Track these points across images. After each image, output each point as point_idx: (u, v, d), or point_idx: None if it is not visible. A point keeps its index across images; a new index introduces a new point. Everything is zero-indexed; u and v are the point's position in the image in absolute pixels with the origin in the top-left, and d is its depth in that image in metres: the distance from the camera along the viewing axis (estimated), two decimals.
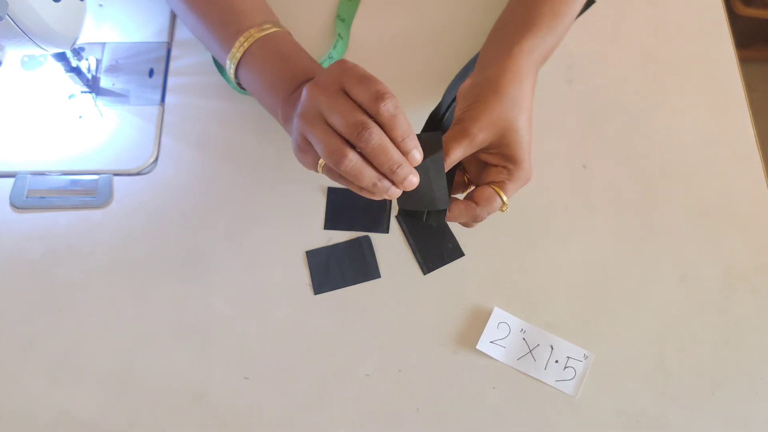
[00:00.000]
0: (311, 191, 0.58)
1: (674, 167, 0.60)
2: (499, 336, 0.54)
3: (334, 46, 0.63)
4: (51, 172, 0.59)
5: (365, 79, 0.40)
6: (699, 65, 0.64)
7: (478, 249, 0.57)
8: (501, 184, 0.48)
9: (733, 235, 0.57)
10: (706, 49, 0.64)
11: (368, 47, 0.64)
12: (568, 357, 0.53)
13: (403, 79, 0.63)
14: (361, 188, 0.43)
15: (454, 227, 0.57)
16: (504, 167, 0.48)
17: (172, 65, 0.63)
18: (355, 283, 0.55)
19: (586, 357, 0.53)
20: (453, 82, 0.61)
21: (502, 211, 0.48)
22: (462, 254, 0.57)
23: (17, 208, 0.58)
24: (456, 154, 0.46)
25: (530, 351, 0.54)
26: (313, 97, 0.41)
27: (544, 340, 0.54)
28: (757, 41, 1.42)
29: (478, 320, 0.54)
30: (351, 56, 0.63)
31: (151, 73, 0.63)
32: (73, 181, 0.58)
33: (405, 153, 0.41)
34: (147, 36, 0.64)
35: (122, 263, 0.56)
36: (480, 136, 0.46)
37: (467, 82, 0.50)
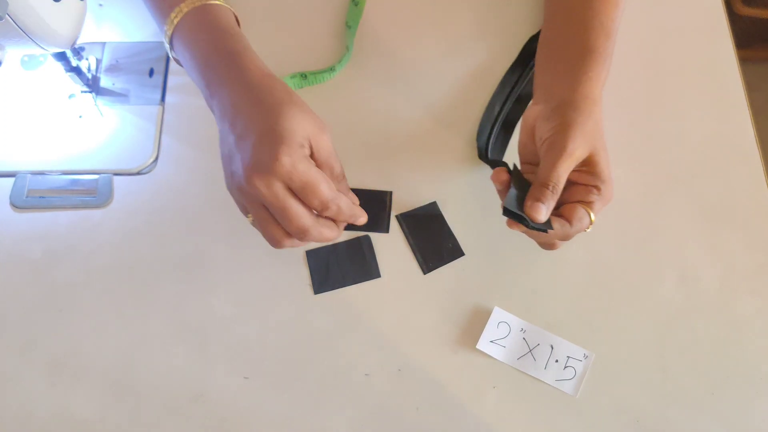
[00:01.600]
0: None
1: (674, 167, 0.60)
2: (499, 335, 0.54)
3: (340, 61, 0.62)
4: (51, 171, 0.59)
5: (309, 186, 0.44)
6: (699, 65, 0.64)
7: (478, 249, 0.57)
8: (591, 204, 0.49)
9: (733, 235, 0.57)
10: (706, 49, 0.64)
11: (371, 53, 0.64)
12: (568, 356, 0.53)
13: (406, 81, 0.63)
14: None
15: (454, 227, 0.57)
16: (594, 186, 0.49)
17: (173, 65, 0.63)
18: (355, 282, 0.55)
19: (586, 357, 0.53)
20: (487, 111, 0.62)
21: (586, 231, 0.49)
22: (462, 254, 0.57)
23: (17, 207, 0.58)
24: (562, 171, 0.47)
25: (530, 350, 0.54)
26: (252, 186, 0.43)
27: (544, 340, 0.54)
28: (757, 41, 1.42)
29: (478, 320, 0.54)
30: (353, 64, 0.63)
31: (151, 72, 0.63)
32: (73, 181, 0.58)
33: (354, 222, 0.49)
34: (147, 36, 0.64)
35: (122, 263, 0.56)
36: (578, 152, 0.47)
37: (536, 108, 0.51)
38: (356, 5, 0.63)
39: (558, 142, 0.47)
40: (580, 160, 0.48)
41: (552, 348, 0.54)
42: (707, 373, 0.53)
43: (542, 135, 0.49)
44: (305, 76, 0.61)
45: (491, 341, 0.54)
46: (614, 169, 0.59)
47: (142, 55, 0.63)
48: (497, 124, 0.60)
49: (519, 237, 0.57)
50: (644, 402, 0.52)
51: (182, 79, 0.63)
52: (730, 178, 0.59)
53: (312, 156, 0.46)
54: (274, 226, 0.46)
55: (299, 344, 0.54)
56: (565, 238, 0.49)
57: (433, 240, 0.57)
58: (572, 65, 0.52)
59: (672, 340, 0.54)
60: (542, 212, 0.46)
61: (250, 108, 0.45)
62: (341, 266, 0.56)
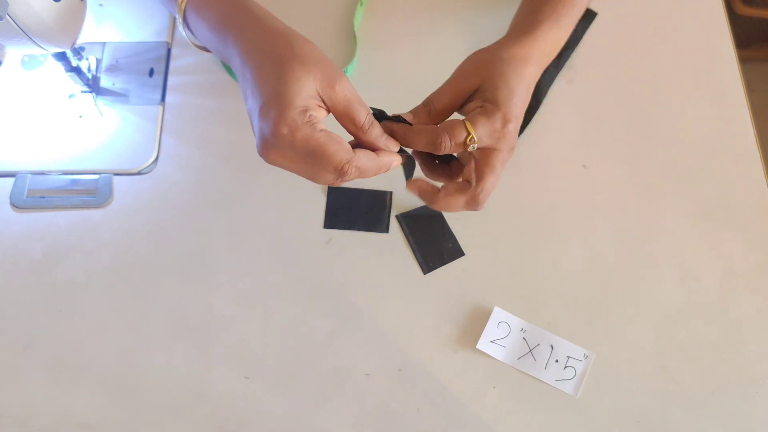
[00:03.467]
0: (311, 191, 0.58)
1: (674, 167, 0.60)
2: (500, 335, 0.54)
3: (345, 69, 0.62)
4: (51, 171, 0.59)
5: (315, 157, 0.42)
6: (699, 65, 0.64)
7: (478, 249, 0.57)
8: (471, 117, 0.44)
9: (733, 235, 0.57)
10: (706, 49, 0.64)
11: (373, 54, 0.64)
12: (568, 356, 0.53)
13: (407, 83, 0.63)
14: None
15: (454, 227, 0.57)
16: (481, 107, 0.45)
17: (173, 65, 0.63)
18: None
19: (586, 357, 0.53)
20: None
21: (468, 148, 0.44)
22: (462, 254, 0.57)
23: (17, 207, 0.58)
24: (442, 90, 0.46)
25: (530, 350, 0.54)
26: (268, 154, 0.43)
27: (544, 340, 0.54)
28: (757, 41, 1.42)
29: (478, 320, 0.54)
30: (356, 69, 0.64)
31: (151, 72, 0.63)
32: (74, 181, 0.58)
33: (388, 149, 0.45)
34: (147, 35, 0.64)
35: (122, 263, 0.56)
36: (467, 81, 0.46)
37: None
38: (362, 5, 0.64)
39: (454, 71, 0.48)
40: (470, 84, 0.46)
41: (552, 348, 0.54)
42: (707, 373, 0.53)
43: None
44: None
45: (491, 341, 0.54)
46: (614, 169, 0.59)
47: (142, 55, 0.63)
48: None
49: (519, 237, 0.57)
50: (644, 402, 0.52)
51: (182, 79, 0.63)
52: (730, 177, 0.59)
53: (328, 109, 0.44)
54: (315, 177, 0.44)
55: (300, 344, 0.54)
56: (435, 142, 0.44)
57: (433, 240, 0.57)
58: (522, 20, 0.52)
59: (672, 340, 0.54)
60: (407, 116, 0.46)
61: (256, 71, 0.44)
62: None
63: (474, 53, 0.49)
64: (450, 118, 0.47)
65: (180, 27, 0.51)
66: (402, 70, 0.63)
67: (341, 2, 0.66)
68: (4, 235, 0.57)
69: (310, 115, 0.42)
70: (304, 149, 0.41)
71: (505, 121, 0.44)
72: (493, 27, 0.65)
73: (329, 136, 0.42)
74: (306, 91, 0.42)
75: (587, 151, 0.60)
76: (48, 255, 0.56)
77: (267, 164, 0.59)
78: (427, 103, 0.47)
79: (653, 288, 0.56)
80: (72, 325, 0.54)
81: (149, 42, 0.64)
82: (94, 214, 0.58)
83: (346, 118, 0.44)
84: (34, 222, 0.58)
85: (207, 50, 0.53)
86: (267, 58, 0.43)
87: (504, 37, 0.51)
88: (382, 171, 0.45)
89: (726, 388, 0.53)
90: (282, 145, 0.41)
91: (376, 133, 0.45)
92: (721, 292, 0.55)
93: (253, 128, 0.44)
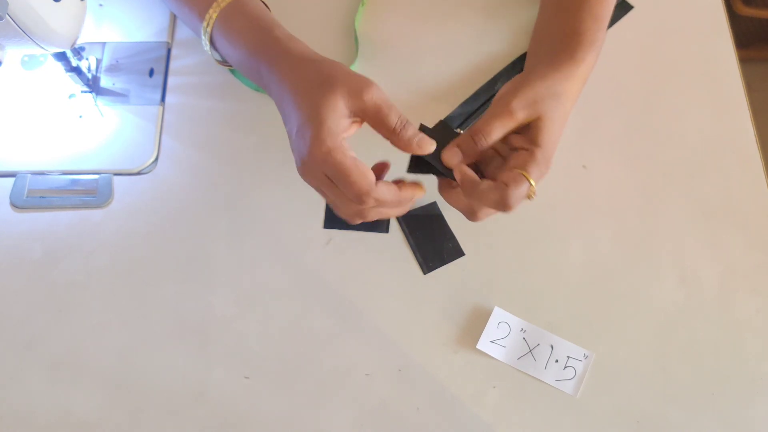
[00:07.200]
0: (311, 191, 0.58)
1: (674, 167, 0.60)
2: (500, 335, 0.54)
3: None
4: (51, 171, 0.59)
5: (342, 178, 0.44)
6: (699, 65, 0.64)
7: (478, 249, 0.57)
8: (525, 166, 0.45)
9: (733, 235, 0.57)
10: (706, 49, 0.64)
11: (374, 55, 0.64)
12: (568, 356, 0.53)
13: (407, 83, 0.63)
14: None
15: (454, 227, 0.57)
16: (526, 150, 0.46)
17: (173, 65, 0.63)
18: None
19: (586, 357, 0.53)
20: (480, 88, 0.62)
21: (530, 198, 0.46)
22: (462, 254, 0.57)
23: (17, 207, 0.58)
24: (495, 126, 0.46)
25: (530, 350, 0.54)
26: (304, 172, 0.46)
27: (544, 340, 0.54)
28: (757, 41, 1.42)
29: (478, 320, 0.54)
30: (357, 69, 0.63)
31: (151, 72, 0.63)
32: (73, 181, 0.58)
33: (421, 150, 0.46)
34: (147, 36, 0.64)
35: (122, 263, 0.56)
36: (520, 114, 0.46)
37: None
38: (363, 5, 0.64)
39: (504, 98, 0.47)
40: (522, 122, 0.47)
41: (552, 348, 0.54)
42: (707, 373, 0.53)
43: (498, 95, 0.49)
44: None
45: (491, 341, 0.54)
46: (614, 169, 0.59)
47: (142, 55, 0.63)
48: (478, 113, 0.60)
49: (519, 237, 0.57)
50: (644, 402, 0.52)
51: (182, 80, 0.63)
52: (730, 178, 0.59)
53: (362, 121, 0.46)
54: (348, 204, 0.47)
55: (300, 344, 0.54)
56: (505, 203, 0.44)
57: (433, 240, 0.57)
58: (559, 48, 0.52)
59: (672, 340, 0.54)
60: (455, 156, 0.46)
61: (293, 98, 0.46)
62: None
63: (525, 82, 0.48)
64: None
65: (205, 47, 0.55)
66: (403, 70, 0.63)
67: (342, 2, 0.66)
68: (4, 235, 0.57)
69: (342, 138, 0.44)
70: (332, 172, 0.44)
71: (549, 163, 0.47)
72: (494, 27, 0.65)
73: (356, 164, 0.44)
74: (337, 112, 0.44)
75: (587, 152, 0.60)
76: (48, 255, 0.56)
77: (267, 164, 0.60)
78: (476, 135, 0.47)
79: (653, 288, 0.56)
80: (72, 325, 0.54)
81: (149, 42, 0.64)
82: (94, 214, 0.58)
83: (378, 125, 0.46)
84: (34, 222, 0.58)
85: (228, 65, 0.57)
86: (301, 85, 0.46)
87: (551, 64, 0.50)
88: (404, 204, 0.47)
89: (726, 388, 0.53)
90: (314, 165, 0.44)
91: (409, 134, 0.46)
92: (721, 293, 0.55)
93: (292, 149, 0.47)
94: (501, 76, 0.63)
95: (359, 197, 0.44)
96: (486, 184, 0.45)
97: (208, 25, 0.52)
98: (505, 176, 0.45)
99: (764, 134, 0.66)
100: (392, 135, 0.45)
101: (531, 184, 0.45)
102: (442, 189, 0.50)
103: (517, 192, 0.44)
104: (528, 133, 0.47)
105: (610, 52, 0.64)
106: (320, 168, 0.44)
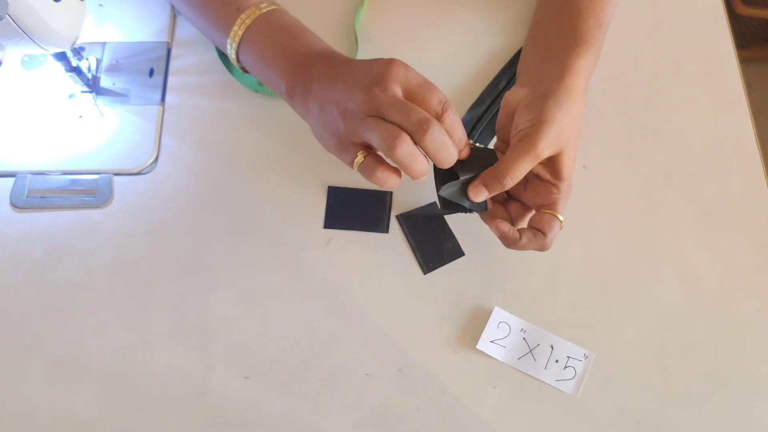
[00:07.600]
0: (311, 191, 0.58)
1: (674, 167, 0.60)
2: (500, 335, 0.54)
3: None
4: (51, 171, 0.59)
5: (426, 84, 0.45)
6: (699, 65, 0.64)
7: (478, 249, 0.57)
8: (554, 205, 0.50)
9: (733, 235, 0.57)
10: (706, 49, 0.64)
11: (375, 52, 0.64)
12: (568, 357, 0.53)
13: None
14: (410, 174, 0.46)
15: (454, 227, 0.57)
16: (553, 185, 0.50)
17: (173, 65, 0.63)
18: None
19: (586, 357, 0.53)
20: (485, 91, 0.62)
21: (560, 229, 0.50)
22: (462, 254, 0.57)
23: (17, 207, 0.58)
24: (522, 169, 0.47)
25: (530, 350, 0.54)
26: (371, 97, 0.44)
27: (545, 340, 0.54)
28: (757, 41, 1.42)
29: (478, 320, 0.54)
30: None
31: (151, 72, 0.63)
32: (73, 181, 0.58)
33: (460, 151, 0.47)
34: (147, 36, 0.64)
35: (122, 263, 0.56)
36: (545, 152, 0.47)
37: (521, 92, 0.51)
38: (363, 4, 0.64)
39: (529, 138, 0.47)
40: (545, 157, 0.48)
41: (552, 348, 0.54)
42: (707, 373, 0.53)
43: (519, 124, 0.49)
44: None
45: (491, 341, 0.54)
46: (614, 169, 0.59)
47: (142, 55, 0.63)
48: (486, 117, 0.60)
49: None
50: (644, 402, 0.52)
51: (182, 80, 0.63)
52: (730, 177, 0.59)
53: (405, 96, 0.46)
54: (391, 125, 0.45)
55: (300, 344, 0.54)
56: (544, 247, 0.50)
57: (433, 240, 0.57)
58: (562, 52, 0.52)
59: (672, 340, 0.54)
60: (481, 196, 0.49)
61: (344, 78, 0.47)
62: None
63: (545, 117, 0.47)
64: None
65: (232, 60, 0.54)
66: None
67: (343, 2, 0.66)
68: (4, 235, 0.57)
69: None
70: (416, 80, 0.45)
71: (571, 189, 0.51)
72: (494, 27, 0.65)
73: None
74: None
75: (587, 151, 0.60)
76: (48, 255, 0.57)
77: (267, 164, 0.59)
78: (502, 176, 0.48)
79: (653, 288, 0.56)
80: (72, 325, 0.54)
81: (149, 42, 0.64)
82: (94, 214, 0.58)
83: (423, 103, 0.46)
84: (34, 222, 0.58)
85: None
86: (353, 72, 0.47)
87: (560, 80, 0.49)
88: (460, 147, 0.47)
89: (726, 388, 0.53)
90: (395, 75, 0.45)
91: (452, 117, 0.46)
92: (721, 292, 0.55)
93: (336, 117, 0.46)
94: (503, 75, 0.62)
95: (443, 102, 0.45)
96: (525, 238, 0.49)
97: (233, 39, 0.53)
98: (538, 222, 0.50)
99: (764, 134, 0.66)
100: (435, 117, 0.46)
101: (561, 222, 0.50)
102: (485, 218, 0.53)
103: (553, 234, 0.49)
104: (550, 166, 0.49)
105: (611, 52, 0.64)
106: (399, 81, 0.45)
